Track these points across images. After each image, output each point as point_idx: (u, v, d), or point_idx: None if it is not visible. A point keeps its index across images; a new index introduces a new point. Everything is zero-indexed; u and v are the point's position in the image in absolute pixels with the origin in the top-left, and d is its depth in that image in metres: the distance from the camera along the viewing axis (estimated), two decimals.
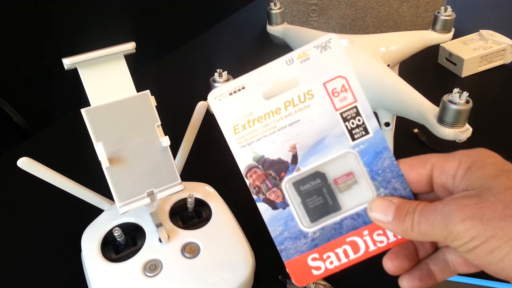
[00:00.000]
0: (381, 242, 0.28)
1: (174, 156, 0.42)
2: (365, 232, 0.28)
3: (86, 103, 0.38)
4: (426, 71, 0.74)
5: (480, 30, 0.75)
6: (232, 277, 0.39)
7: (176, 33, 0.98)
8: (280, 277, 0.41)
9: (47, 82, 0.95)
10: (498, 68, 0.72)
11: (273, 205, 0.29)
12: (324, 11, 0.79)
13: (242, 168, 0.29)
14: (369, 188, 0.28)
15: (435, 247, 0.28)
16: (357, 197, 0.28)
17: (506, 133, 0.60)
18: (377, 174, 0.28)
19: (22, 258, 0.47)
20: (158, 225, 0.41)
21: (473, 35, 0.75)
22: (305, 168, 0.28)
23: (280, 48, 0.80)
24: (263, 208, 0.29)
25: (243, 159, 0.29)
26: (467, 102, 0.41)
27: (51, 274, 0.45)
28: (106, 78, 0.39)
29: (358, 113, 0.28)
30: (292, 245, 0.29)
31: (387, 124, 0.50)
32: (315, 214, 0.28)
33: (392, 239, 0.28)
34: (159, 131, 0.40)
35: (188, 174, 0.45)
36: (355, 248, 0.28)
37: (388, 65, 0.54)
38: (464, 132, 0.42)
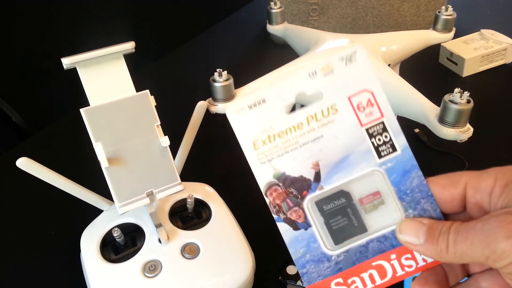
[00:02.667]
0: (410, 266, 0.27)
1: (174, 156, 0.42)
2: (393, 256, 0.27)
3: (85, 103, 0.38)
4: (427, 71, 0.74)
5: (481, 30, 0.75)
6: (232, 277, 0.38)
7: (176, 33, 0.98)
8: (280, 277, 0.41)
9: (46, 82, 0.94)
10: (499, 68, 0.72)
11: (294, 225, 0.27)
12: (324, 10, 0.79)
13: (262, 185, 0.27)
14: (397, 209, 0.27)
15: (466, 273, 0.27)
16: (384, 218, 0.27)
17: (507, 133, 0.60)
18: (405, 194, 0.27)
19: (21, 258, 0.47)
20: (158, 226, 0.41)
21: (474, 35, 0.75)
22: (328, 186, 0.27)
23: (280, 47, 0.80)
24: (284, 229, 0.27)
25: (263, 176, 0.27)
26: (468, 102, 0.41)
27: (50, 275, 0.45)
28: (105, 78, 0.39)
29: (385, 129, 0.26)
30: (314, 269, 0.27)
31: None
32: (339, 236, 0.27)
33: (421, 263, 0.26)
34: (159, 131, 0.39)
35: (188, 174, 0.45)
36: (382, 272, 0.27)
37: (389, 65, 0.54)
38: (465, 132, 0.41)
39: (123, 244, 0.41)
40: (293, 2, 0.78)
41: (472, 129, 0.42)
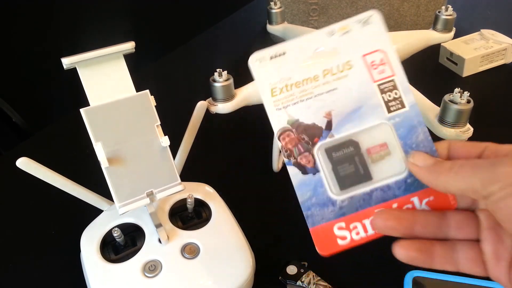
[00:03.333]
0: None
1: (174, 156, 0.42)
2: (394, 205, 0.28)
3: (85, 103, 0.38)
4: (427, 71, 0.74)
5: (481, 30, 0.75)
6: (232, 277, 0.38)
7: (176, 33, 0.98)
8: (280, 277, 0.41)
9: (46, 82, 0.94)
10: (499, 68, 0.72)
11: (303, 169, 0.28)
12: (324, 10, 0.79)
13: (276, 130, 0.29)
14: (402, 160, 0.28)
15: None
16: (389, 169, 0.28)
17: (507, 133, 0.60)
18: (410, 148, 0.28)
19: (21, 258, 0.47)
20: (158, 226, 0.41)
21: (474, 35, 0.75)
22: (339, 135, 0.28)
23: None
24: (293, 172, 0.28)
25: (278, 121, 0.29)
26: (468, 102, 0.41)
27: (50, 275, 0.45)
28: (105, 78, 0.39)
29: (395, 87, 0.28)
30: (319, 212, 0.28)
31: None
32: (345, 182, 0.28)
33: None
34: (159, 131, 0.39)
35: (188, 174, 0.45)
36: None
37: None
38: (465, 132, 0.41)
39: (123, 244, 0.41)
40: (293, 2, 0.78)
41: (472, 129, 0.42)
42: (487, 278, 0.26)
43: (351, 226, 0.28)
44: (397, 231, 0.27)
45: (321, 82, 0.28)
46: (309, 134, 0.28)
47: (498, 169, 0.22)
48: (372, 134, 0.28)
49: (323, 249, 0.28)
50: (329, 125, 0.28)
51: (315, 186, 0.28)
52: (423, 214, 0.27)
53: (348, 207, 0.28)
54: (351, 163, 0.28)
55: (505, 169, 0.22)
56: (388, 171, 0.28)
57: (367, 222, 0.28)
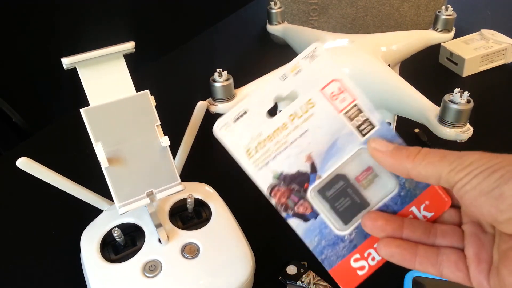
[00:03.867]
0: None
1: (174, 156, 0.42)
2: None
3: (85, 103, 0.38)
4: (427, 71, 0.74)
5: (481, 30, 0.75)
6: (232, 277, 0.38)
7: (176, 33, 0.98)
8: (280, 277, 0.41)
9: (46, 82, 0.95)
10: (499, 68, 0.72)
11: (303, 217, 0.29)
12: (324, 10, 0.79)
13: (264, 189, 0.29)
14: (390, 178, 0.29)
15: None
16: (381, 189, 0.29)
17: (507, 133, 0.60)
18: None
19: (21, 258, 0.47)
20: (158, 226, 0.41)
21: (474, 35, 0.75)
22: (325, 174, 0.29)
23: (280, 47, 0.80)
24: (295, 223, 0.29)
25: (263, 180, 0.29)
26: (468, 102, 0.41)
27: (50, 275, 0.45)
28: (105, 78, 0.39)
29: (360, 110, 0.29)
30: (332, 252, 0.29)
31: (388, 124, 0.50)
32: (346, 216, 0.29)
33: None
34: (159, 131, 0.39)
35: (188, 174, 0.45)
36: None
37: (389, 65, 0.54)
38: (465, 132, 0.41)
39: (123, 244, 0.41)
40: (293, 2, 0.78)
41: (472, 129, 0.42)
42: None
43: (366, 254, 0.29)
44: (385, 231, 0.27)
45: (291, 129, 0.29)
46: (297, 182, 0.29)
47: (465, 158, 0.24)
48: (355, 162, 0.29)
49: (347, 286, 0.29)
50: (313, 168, 0.29)
51: (320, 229, 0.29)
52: (411, 221, 0.28)
53: (357, 238, 0.29)
54: (346, 196, 0.29)
55: (472, 158, 0.23)
56: (381, 191, 0.29)
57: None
